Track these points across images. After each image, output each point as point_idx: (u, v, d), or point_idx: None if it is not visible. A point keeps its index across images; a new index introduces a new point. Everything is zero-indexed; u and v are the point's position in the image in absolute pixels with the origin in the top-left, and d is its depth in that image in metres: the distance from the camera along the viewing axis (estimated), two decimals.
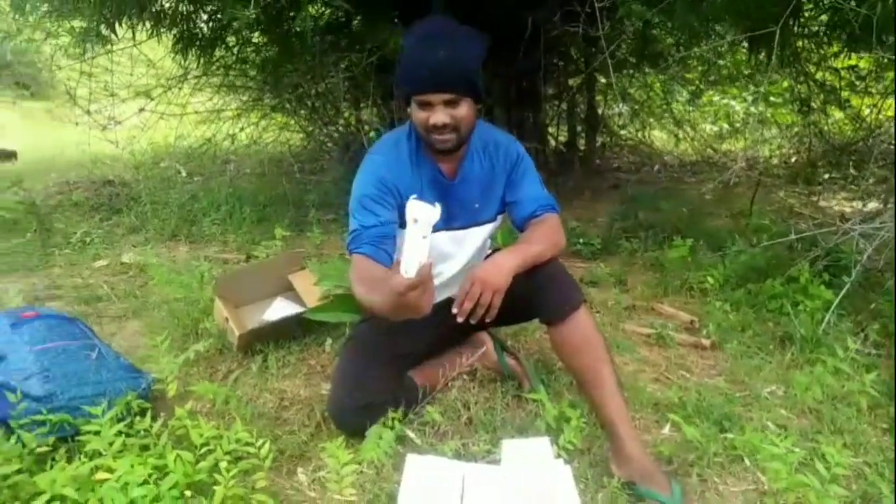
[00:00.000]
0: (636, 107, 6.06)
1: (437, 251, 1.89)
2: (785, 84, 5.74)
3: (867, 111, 5.61)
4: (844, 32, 4.06)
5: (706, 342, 2.66)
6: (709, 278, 3.22)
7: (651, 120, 6.49)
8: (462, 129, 1.70)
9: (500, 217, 1.95)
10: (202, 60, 4.62)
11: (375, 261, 1.66)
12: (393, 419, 1.79)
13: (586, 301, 1.77)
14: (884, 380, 2.20)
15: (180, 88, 4.75)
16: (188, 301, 2.67)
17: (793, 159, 6.24)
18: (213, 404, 1.99)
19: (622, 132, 6.18)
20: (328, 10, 4.56)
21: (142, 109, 4.78)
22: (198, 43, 4.44)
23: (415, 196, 1.34)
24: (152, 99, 4.60)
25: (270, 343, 2.36)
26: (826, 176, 5.45)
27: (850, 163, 5.44)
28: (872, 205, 4.89)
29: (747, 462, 1.83)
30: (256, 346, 2.34)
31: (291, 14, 4.01)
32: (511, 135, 1.97)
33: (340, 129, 5.45)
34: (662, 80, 5.84)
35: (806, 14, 3.20)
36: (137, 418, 1.78)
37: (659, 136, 6.77)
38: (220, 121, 5.04)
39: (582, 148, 5.92)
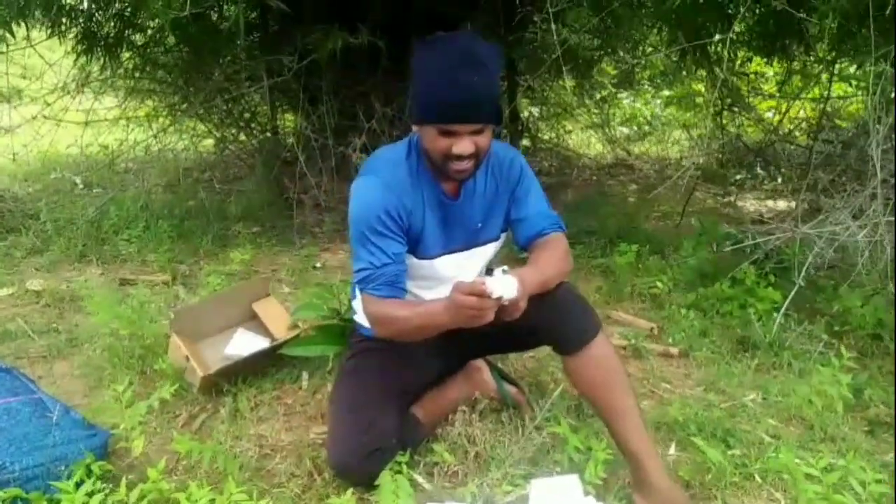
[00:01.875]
0: (559, 110, 6.11)
1: (438, 276, 1.76)
2: (697, 87, 5.96)
3: (769, 114, 5.93)
4: (761, 40, 4.24)
5: (675, 351, 2.66)
6: (658, 283, 3.24)
7: (565, 123, 6.56)
8: (481, 157, 1.58)
9: (503, 236, 1.84)
10: (106, 62, 4.20)
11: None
12: (401, 463, 1.64)
13: (603, 327, 1.69)
14: (855, 382, 2.23)
15: (81, 93, 4.30)
16: (130, 336, 2.37)
17: (700, 160, 6.48)
18: (186, 460, 1.75)
19: (543, 136, 6.21)
20: (250, 10, 4.27)
21: (34, 117, 4.29)
22: (101, 44, 4.03)
23: (503, 269, 1.45)
24: (49, 104, 4.14)
25: (237, 381, 2.12)
26: (737, 177, 5.69)
27: (758, 164, 5.72)
28: (782, 203, 5.17)
29: (758, 479, 1.82)
30: (223, 386, 2.10)
31: (214, 12, 3.74)
32: (510, 146, 1.86)
33: (258, 134, 5.14)
34: (579, 82, 5.90)
35: (737, 26, 3.31)
36: (101, 484, 1.53)
37: (575, 140, 6.86)
38: (126, 127, 4.61)
39: None
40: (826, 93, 4.59)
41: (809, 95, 5.16)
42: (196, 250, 3.89)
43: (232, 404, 2.03)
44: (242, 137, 5.21)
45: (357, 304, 1.87)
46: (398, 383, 1.77)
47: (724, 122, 5.70)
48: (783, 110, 5.49)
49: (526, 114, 6.35)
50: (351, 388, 1.75)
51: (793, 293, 2.81)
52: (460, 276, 1.76)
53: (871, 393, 2.32)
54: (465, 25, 3.88)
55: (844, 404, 2.10)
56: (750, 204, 5.20)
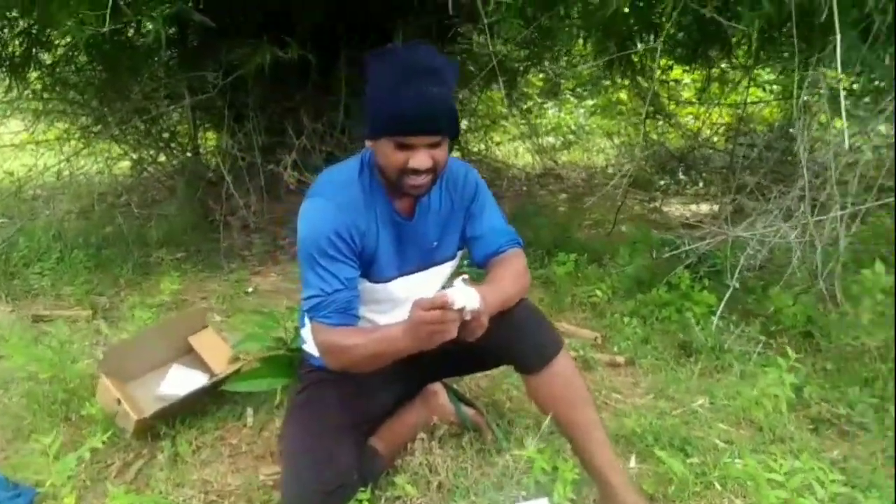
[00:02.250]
0: (487, 122, 6.14)
1: (392, 298, 1.68)
2: (620, 96, 6.10)
3: (690, 120, 6.13)
4: (683, 48, 4.37)
5: (621, 359, 2.67)
6: (597, 292, 3.26)
7: (493, 134, 6.60)
8: (438, 171, 1.51)
9: (459, 254, 1.78)
10: (11, 83, 3.93)
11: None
12: (361, 501, 1.55)
13: (564, 343, 1.66)
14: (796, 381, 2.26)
15: None
16: (51, 380, 2.17)
17: (630, 169, 6.63)
18: None
19: (473, 148, 6.21)
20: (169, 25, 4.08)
21: None
22: (6, 64, 3.77)
23: (462, 278, 1.39)
24: None
25: (175, 423, 1.97)
26: (661, 183, 5.83)
27: (680, 169, 5.90)
28: (705, 207, 5.33)
29: (718, 486, 1.82)
30: (159, 429, 1.94)
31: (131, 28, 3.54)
32: (461, 160, 1.81)
33: (178, 155, 4.92)
34: (508, 93, 5.94)
35: (663, 33, 3.40)
36: None
37: (503, 151, 6.90)
38: (34, 152, 4.32)
39: None
40: (744, 98, 4.78)
41: (728, 101, 5.36)
42: (116, 280, 3.67)
43: (171, 448, 1.88)
44: (162, 158, 4.97)
45: (306, 332, 1.77)
46: (354, 414, 1.68)
47: (648, 129, 5.86)
48: (702, 117, 5.69)
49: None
50: (304, 423, 1.64)
51: (727, 296, 2.88)
52: (416, 298, 1.69)
53: (811, 391, 2.37)
54: (398, 39, 3.82)
55: (788, 404, 2.14)
56: (675, 209, 5.33)
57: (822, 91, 2.95)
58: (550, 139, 7.21)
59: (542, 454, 1.69)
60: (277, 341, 2.04)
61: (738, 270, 2.93)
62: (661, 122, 5.55)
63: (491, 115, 6.29)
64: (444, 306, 1.35)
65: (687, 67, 4.95)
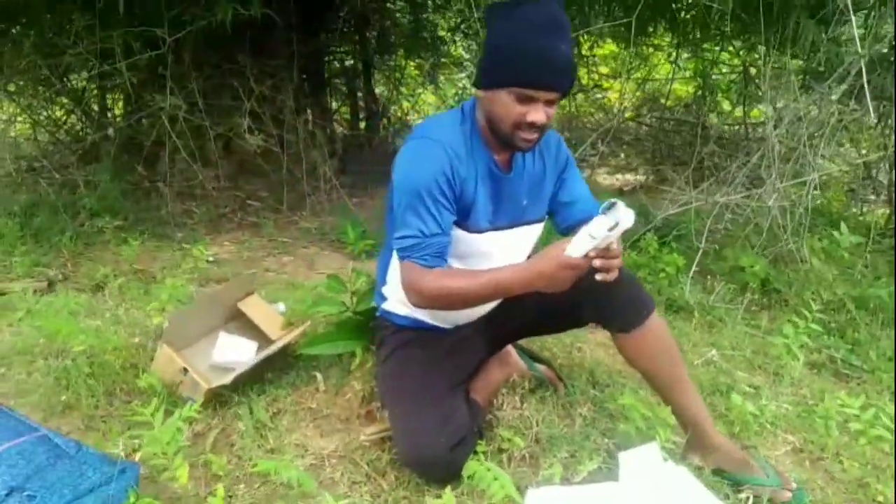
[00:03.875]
0: (412, 92, 6.11)
1: (480, 252, 1.67)
2: None
3: (606, 95, 6.42)
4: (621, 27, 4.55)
5: None
6: None
7: (406, 104, 6.56)
8: (545, 130, 1.53)
9: (546, 217, 1.81)
10: None
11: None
12: (478, 452, 1.56)
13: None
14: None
15: None
16: (64, 353, 1.97)
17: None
18: (219, 482, 1.51)
19: (406, 117, 6.16)
20: None
21: None
22: None
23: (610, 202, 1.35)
24: None
25: (244, 390, 1.86)
26: (591, 156, 6.08)
27: (601, 142, 6.18)
28: (630, 177, 5.65)
29: (769, 426, 1.98)
30: (226, 398, 1.82)
31: None
32: None
33: (104, 119, 4.52)
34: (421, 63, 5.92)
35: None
36: None
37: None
38: None
39: (364, 133, 5.77)
40: (671, 75, 5.09)
41: (648, 76, 5.68)
42: (58, 251, 3.36)
43: (251, 416, 1.78)
44: (74, 121, 4.56)
45: (388, 290, 1.74)
46: (455, 371, 1.69)
47: (569, 102, 6.09)
48: (623, 92, 5.98)
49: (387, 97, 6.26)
50: (414, 382, 1.63)
51: (698, 256, 3.10)
52: (504, 255, 1.69)
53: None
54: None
55: (791, 353, 2.36)
56: (603, 178, 5.60)
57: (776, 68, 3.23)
58: None
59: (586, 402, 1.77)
60: (343, 305, 1.96)
61: (705, 233, 3.18)
62: (578, 96, 5.77)
63: (412, 83, 6.27)
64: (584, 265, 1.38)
65: (623, 45, 5.13)
